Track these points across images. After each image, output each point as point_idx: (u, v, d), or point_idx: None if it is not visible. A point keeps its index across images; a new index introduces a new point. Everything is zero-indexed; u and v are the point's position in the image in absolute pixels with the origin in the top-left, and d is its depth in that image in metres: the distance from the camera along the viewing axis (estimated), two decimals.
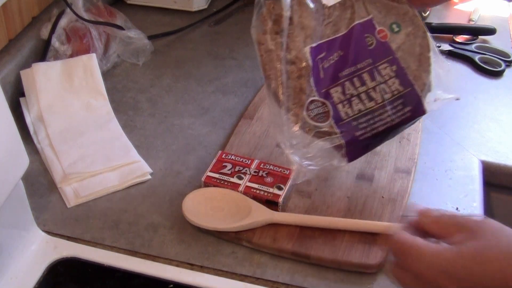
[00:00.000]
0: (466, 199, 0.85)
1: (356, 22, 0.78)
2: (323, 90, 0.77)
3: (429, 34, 0.79)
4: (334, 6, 0.79)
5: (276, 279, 0.74)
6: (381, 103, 0.78)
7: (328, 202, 0.82)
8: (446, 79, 0.79)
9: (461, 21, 1.24)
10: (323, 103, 0.77)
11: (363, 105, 0.78)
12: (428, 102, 0.79)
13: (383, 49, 0.78)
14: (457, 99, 0.80)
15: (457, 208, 0.83)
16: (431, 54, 0.79)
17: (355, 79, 0.78)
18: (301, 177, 0.79)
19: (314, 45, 0.78)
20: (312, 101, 0.77)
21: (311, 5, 0.78)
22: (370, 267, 0.75)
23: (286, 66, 0.78)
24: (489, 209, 0.96)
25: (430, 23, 1.18)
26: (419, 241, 0.58)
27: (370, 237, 0.77)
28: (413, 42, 0.79)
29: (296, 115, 0.77)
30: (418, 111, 0.78)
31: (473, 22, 1.23)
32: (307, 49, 0.77)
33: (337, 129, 0.77)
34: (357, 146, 0.78)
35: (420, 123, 0.93)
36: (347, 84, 0.78)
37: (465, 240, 0.56)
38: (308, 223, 0.79)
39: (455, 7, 1.30)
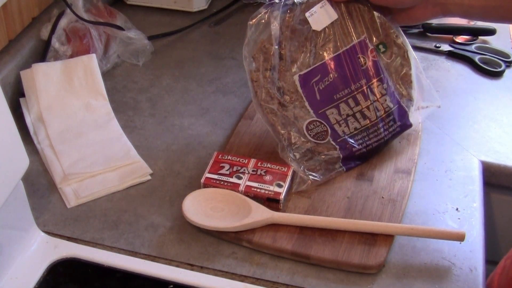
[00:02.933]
0: (466, 200, 0.85)
1: (352, 43, 0.83)
2: (320, 112, 0.84)
3: (410, 53, 0.85)
4: (325, 29, 0.83)
5: (276, 280, 0.74)
6: (375, 121, 0.85)
7: (328, 202, 0.82)
8: (429, 91, 0.87)
9: (461, 21, 1.24)
10: (321, 123, 0.84)
11: (359, 124, 0.85)
12: (412, 114, 0.87)
13: (375, 68, 0.84)
14: (438, 106, 0.88)
15: (457, 209, 0.83)
16: (413, 71, 0.85)
17: (350, 100, 0.84)
18: (304, 186, 0.84)
19: (301, 73, 0.83)
20: (310, 122, 0.84)
21: (301, 36, 0.83)
22: (370, 267, 0.75)
23: (281, 97, 0.84)
24: (489, 210, 0.96)
25: (430, 24, 1.18)
26: None
27: (370, 237, 0.77)
28: (396, 61, 0.85)
29: (294, 139, 0.84)
30: (405, 125, 0.87)
31: (473, 23, 1.23)
32: (296, 77, 0.83)
33: (336, 145, 0.85)
34: (353, 159, 0.86)
35: (420, 124, 0.93)
36: (342, 105, 0.84)
37: None
38: (308, 223, 0.79)
39: None
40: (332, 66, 0.83)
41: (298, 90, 0.84)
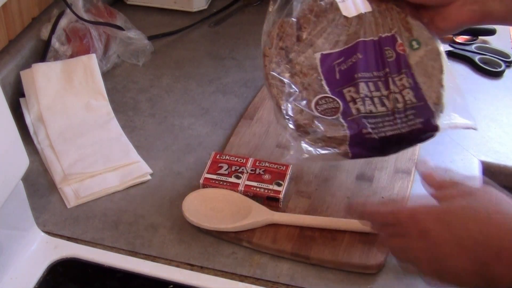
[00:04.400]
0: None
1: (380, 35, 0.80)
2: (336, 89, 0.79)
3: (444, 56, 0.80)
4: (354, 17, 0.81)
5: (276, 280, 0.74)
6: (392, 110, 0.78)
7: (328, 202, 0.82)
8: (462, 105, 0.80)
9: None
10: (334, 100, 0.78)
11: (375, 108, 0.78)
12: (442, 122, 0.79)
13: (401, 61, 0.79)
14: (474, 129, 0.81)
15: None
16: (443, 76, 0.80)
17: (370, 84, 0.79)
18: (298, 158, 0.76)
19: (324, 52, 0.80)
20: (322, 97, 0.78)
21: (326, 20, 0.81)
22: (370, 267, 0.75)
23: (292, 77, 0.80)
24: None
25: None
26: (418, 205, 0.64)
27: (370, 238, 0.77)
28: (427, 62, 0.80)
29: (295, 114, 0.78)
30: (429, 125, 0.78)
31: None
32: (317, 56, 0.80)
33: (345, 123, 0.77)
34: (362, 144, 0.77)
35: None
36: (362, 85, 0.79)
37: (458, 198, 0.63)
38: (308, 223, 0.79)
39: None
40: (358, 50, 0.80)
41: (317, 69, 0.80)
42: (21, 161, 0.73)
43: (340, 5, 0.82)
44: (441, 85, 0.80)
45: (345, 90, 0.79)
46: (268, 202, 0.81)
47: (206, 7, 1.25)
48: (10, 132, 0.70)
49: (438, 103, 0.79)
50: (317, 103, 0.78)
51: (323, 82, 0.79)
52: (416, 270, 0.65)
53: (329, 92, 0.79)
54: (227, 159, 0.86)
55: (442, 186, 0.67)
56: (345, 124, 0.77)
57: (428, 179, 0.69)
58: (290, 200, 0.83)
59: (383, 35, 0.81)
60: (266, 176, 0.83)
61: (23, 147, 0.73)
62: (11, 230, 0.74)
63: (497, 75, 1.09)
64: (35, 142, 0.92)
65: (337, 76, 0.79)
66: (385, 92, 0.79)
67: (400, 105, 0.78)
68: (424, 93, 0.79)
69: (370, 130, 0.77)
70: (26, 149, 0.74)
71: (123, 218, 0.82)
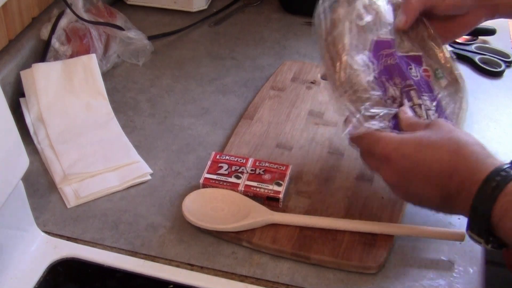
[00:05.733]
0: None
1: (408, 53, 0.80)
2: (380, 79, 0.76)
3: (465, 96, 0.82)
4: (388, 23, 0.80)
5: (276, 280, 0.74)
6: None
7: (328, 203, 0.82)
8: None
9: None
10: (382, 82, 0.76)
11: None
12: None
13: (426, 85, 0.79)
14: None
15: None
16: (462, 115, 0.82)
17: (404, 92, 0.77)
18: (357, 130, 0.74)
19: (378, 39, 0.78)
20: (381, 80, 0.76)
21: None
22: (370, 267, 0.75)
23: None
24: None
25: None
26: (382, 132, 0.72)
27: (370, 238, 0.77)
28: (449, 97, 0.81)
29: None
30: None
31: None
32: (373, 39, 0.78)
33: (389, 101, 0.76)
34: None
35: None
36: (395, 88, 0.77)
37: (421, 131, 0.71)
38: (308, 223, 0.79)
39: None
40: (395, 54, 0.79)
41: (370, 48, 0.78)
42: (21, 161, 0.73)
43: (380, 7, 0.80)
44: (458, 122, 0.81)
45: (387, 84, 0.76)
46: (268, 202, 0.81)
47: (206, 7, 1.25)
48: (10, 132, 0.70)
49: None
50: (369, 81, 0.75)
51: (372, 66, 0.76)
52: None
53: (375, 75, 0.75)
54: (227, 159, 0.86)
55: (413, 124, 0.74)
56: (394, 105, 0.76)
57: (405, 121, 0.74)
58: (290, 200, 0.83)
59: (409, 54, 0.80)
60: (266, 176, 0.83)
61: (23, 147, 0.73)
62: (11, 230, 0.74)
63: (497, 75, 1.09)
64: (35, 142, 0.92)
65: (382, 68, 0.77)
66: (416, 101, 0.77)
67: (432, 118, 0.78)
68: (447, 116, 0.79)
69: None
70: (26, 149, 0.74)
71: (123, 218, 0.82)
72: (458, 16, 0.83)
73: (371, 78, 0.75)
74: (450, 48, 1.14)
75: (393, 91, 0.77)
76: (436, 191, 0.68)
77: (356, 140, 0.75)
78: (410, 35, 0.81)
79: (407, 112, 0.75)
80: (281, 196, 0.81)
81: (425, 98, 0.79)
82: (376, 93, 0.75)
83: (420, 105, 0.78)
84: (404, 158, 0.69)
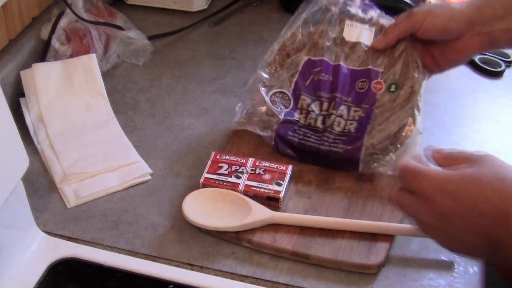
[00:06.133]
0: None
1: (364, 68, 0.88)
2: (297, 92, 0.88)
3: (416, 119, 0.85)
4: (351, 42, 0.89)
5: (276, 280, 0.74)
6: (324, 129, 0.86)
7: (328, 202, 0.82)
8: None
9: None
10: (289, 100, 0.88)
11: (314, 123, 0.87)
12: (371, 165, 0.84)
13: (369, 98, 0.86)
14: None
15: None
16: (405, 128, 0.84)
17: (324, 103, 0.87)
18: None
19: (312, 58, 0.90)
20: (281, 92, 0.89)
21: (327, 42, 0.90)
22: (370, 267, 0.75)
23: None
24: None
25: None
26: (425, 166, 0.65)
27: (370, 237, 0.77)
28: (395, 108, 0.85)
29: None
30: (349, 155, 0.84)
31: None
32: (305, 58, 0.90)
33: (282, 117, 0.87)
34: (284, 143, 0.87)
35: (420, 124, 0.93)
36: (317, 102, 0.87)
37: (467, 167, 0.63)
38: (308, 223, 0.79)
39: None
40: (336, 71, 0.88)
41: (298, 69, 0.90)
42: (21, 161, 0.73)
43: (346, 27, 0.90)
44: (398, 138, 0.84)
45: (302, 97, 0.88)
46: (268, 202, 0.81)
47: (206, 7, 1.25)
48: (10, 132, 0.70)
49: (375, 148, 0.84)
50: (274, 94, 0.89)
51: (293, 81, 0.89)
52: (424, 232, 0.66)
53: (291, 91, 0.89)
54: (227, 159, 0.86)
55: (449, 157, 0.67)
56: (281, 117, 0.87)
57: (437, 156, 0.68)
58: (290, 200, 0.83)
59: (366, 68, 0.87)
60: (266, 176, 0.83)
61: (23, 147, 0.73)
62: (11, 230, 0.74)
63: (497, 75, 1.09)
64: (35, 142, 0.92)
65: (307, 82, 0.89)
66: (332, 111, 0.86)
67: (337, 129, 0.85)
68: (367, 132, 0.84)
69: (294, 137, 0.86)
70: (26, 149, 0.74)
71: (123, 218, 0.82)
72: (451, 42, 0.84)
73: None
74: None
75: (303, 101, 0.88)
76: (480, 235, 0.60)
77: (398, 173, 0.68)
78: (391, 53, 0.88)
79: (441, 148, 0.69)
80: (281, 196, 0.81)
81: (358, 110, 0.85)
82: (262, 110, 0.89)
83: (330, 115, 0.86)
84: (447, 197, 0.61)
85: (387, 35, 0.87)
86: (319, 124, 0.87)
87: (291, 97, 0.89)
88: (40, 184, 0.87)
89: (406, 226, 0.79)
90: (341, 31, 0.90)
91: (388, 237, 0.77)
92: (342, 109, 0.86)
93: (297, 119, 0.87)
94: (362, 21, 0.90)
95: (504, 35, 0.81)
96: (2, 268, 0.73)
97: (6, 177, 0.69)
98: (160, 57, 1.13)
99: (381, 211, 0.81)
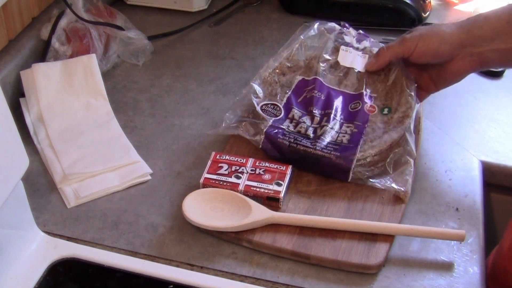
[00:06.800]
0: (466, 200, 0.85)
1: (357, 92, 0.91)
2: (289, 105, 0.90)
3: (409, 132, 0.86)
4: (345, 68, 0.92)
5: (276, 280, 0.74)
6: (319, 137, 0.86)
7: (328, 202, 0.82)
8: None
9: None
10: (280, 110, 0.90)
11: (305, 131, 0.87)
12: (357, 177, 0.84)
13: (361, 116, 0.88)
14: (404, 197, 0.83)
15: (457, 209, 0.83)
16: (398, 149, 0.85)
17: (316, 118, 0.88)
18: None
19: (306, 78, 0.92)
20: (273, 104, 0.90)
21: (322, 65, 0.93)
22: (370, 267, 0.75)
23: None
24: (489, 210, 0.96)
25: (430, 24, 1.18)
26: None
27: (370, 237, 0.77)
28: (387, 131, 0.86)
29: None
30: (343, 168, 0.84)
31: None
32: (299, 78, 0.93)
33: (271, 122, 0.88)
34: (273, 145, 0.86)
35: (420, 123, 0.93)
36: (308, 117, 0.89)
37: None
38: (308, 223, 0.79)
39: (455, 7, 1.29)
40: (329, 92, 0.91)
41: (292, 87, 0.92)
42: (21, 161, 0.73)
43: (341, 52, 0.93)
44: (386, 152, 0.84)
45: (294, 110, 0.89)
46: (268, 202, 0.81)
47: (206, 7, 1.25)
48: (10, 132, 0.70)
49: (366, 161, 0.84)
50: (265, 105, 0.90)
51: (286, 97, 0.91)
52: None
53: (283, 104, 0.90)
54: (227, 159, 0.86)
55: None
56: (270, 122, 0.88)
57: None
58: (290, 200, 0.83)
59: (359, 92, 0.90)
60: (266, 176, 0.83)
61: (23, 147, 0.73)
62: (11, 230, 0.74)
63: (497, 75, 1.09)
64: (35, 142, 0.92)
65: (300, 99, 0.91)
66: (324, 123, 0.87)
67: (329, 138, 0.85)
68: (360, 145, 0.84)
69: (282, 138, 0.86)
70: (26, 149, 0.74)
71: (123, 218, 0.82)
72: (444, 64, 0.86)
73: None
74: None
75: (294, 113, 0.89)
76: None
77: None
78: (384, 80, 0.91)
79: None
80: (281, 196, 0.81)
81: (351, 125, 0.87)
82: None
83: (323, 127, 0.87)
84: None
85: (379, 58, 0.90)
86: (310, 133, 0.87)
87: (282, 109, 0.90)
88: (40, 184, 0.87)
89: (406, 226, 0.79)
90: (336, 56, 0.93)
91: (388, 237, 0.77)
92: (335, 123, 0.87)
93: (287, 126, 0.88)
94: (356, 49, 0.93)
95: (494, 56, 0.83)
96: (2, 268, 0.73)
97: (6, 177, 0.69)
98: (160, 57, 1.13)
99: (381, 211, 0.81)
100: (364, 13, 1.21)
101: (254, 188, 0.82)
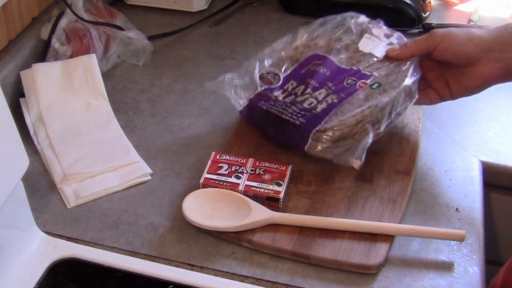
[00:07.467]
0: (466, 200, 0.85)
1: (359, 67, 0.90)
2: (289, 77, 0.91)
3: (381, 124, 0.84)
4: (363, 53, 0.92)
5: (276, 280, 0.74)
6: (295, 103, 0.87)
7: (328, 202, 0.82)
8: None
9: (461, 21, 1.24)
10: (279, 81, 0.91)
11: (290, 100, 0.88)
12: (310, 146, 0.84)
13: (349, 89, 0.87)
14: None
15: (457, 209, 0.83)
16: (364, 124, 0.83)
17: (309, 89, 0.88)
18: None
19: (316, 53, 0.93)
20: (275, 73, 0.92)
21: (338, 45, 0.94)
22: (370, 267, 0.75)
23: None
24: (489, 210, 0.96)
25: (430, 24, 1.18)
26: None
27: (370, 237, 0.77)
28: (361, 107, 0.84)
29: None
30: (303, 135, 0.84)
31: (473, 23, 1.23)
32: (311, 53, 0.93)
33: (259, 88, 0.90)
34: (252, 110, 0.90)
35: (420, 124, 0.93)
36: (302, 86, 0.89)
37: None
38: (308, 223, 0.79)
39: (455, 7, 1.29)
40: (334, 70, 0.90)
41: (301, 60, 0.93)
42: (21, 161, 0.73)
43: (363, 39, 0.93)
44: (350, 130, 0.82)
45: (291, 82, 0.90)
46: (268, 202, 0.81)
47: (206, 7, 1.25)
48: (10, 132, 0.70)
49: (326, 131, 0.83)
50: (266, 72, 0.92)
51: (291, 68, 0.92)
52: None
53: (283, 73, 0.91)
54: (227, 159, 0.86)
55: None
56: (260, 90, 0.89)
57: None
58: (290, 200, 0.83)
59: (360, 69, 0.89)
60: (266, 176, 0.83)
61: (23, 147, 0.73)
62: (11, 230, 0.74)
63: None
64: (35, 142, 0.92)
65: (302, 71, 0.91)
66: (309, 92, 0.88)
67: (305, 106, 0.86)
68: (329, 115, 0.84)
69: (262, 104, 0.88)
70: (26, 149, 0.74)
71: (123, 218, 0.82)
72: (467, 67, 0.84)
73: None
74: None
75: (290, 84, 0.90)
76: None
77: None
78: (393, 68, 0.89)
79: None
80: (281, 196, 0.81)
81: (334, 97, 0.86)
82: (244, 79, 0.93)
83: (308, 96, 0.87)
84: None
85: (403, 48, 0.88)
86: (288, 101, 0.88)
87: (281, 79, 0.91)
88: (40, 184, 0.87)
89: (406, 226, 0.79)
90: (357, 41, 0.92)
91: (388, 237, 0.77)
92: (321, 92, 0.87)
93: (275, 95, 0.89)
94: (381, 39, 0.92)
95: None
96: (2, 268, 0.73)
97: (6, 177, 0.69)
98: (160, 57, 1.13)
99: (381, 211, 0.81)
100: (364, 13, 1.21)
101: (254, 188, 0.82)
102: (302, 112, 0.85)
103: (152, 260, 0.77)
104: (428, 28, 1.18)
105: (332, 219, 0.79)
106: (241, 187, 0.82)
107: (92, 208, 0.83)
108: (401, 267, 0.76)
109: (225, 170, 0.84)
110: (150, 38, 1.12)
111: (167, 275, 0.75)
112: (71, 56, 1.01)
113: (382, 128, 0.83)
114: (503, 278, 0.87)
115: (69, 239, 0.79)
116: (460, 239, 0.77)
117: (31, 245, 0.77)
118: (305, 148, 0.84)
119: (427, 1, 1.21)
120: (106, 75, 1.05)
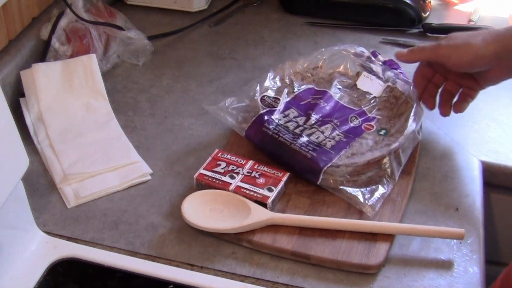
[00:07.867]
0: (466, 200, 0.85)
1: (364, 108, 0.91)
2: (290, 104, 0.91)
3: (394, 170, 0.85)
4: (361, 91, 0.94)
5: (276, 280, 0.74)
6: (304, 135, 0.86)
7: (328, 202, 0.82)
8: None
9: (461, 21, 1.24)
10: (279, 105, 0.91)
11: (293, 129, 0.88)
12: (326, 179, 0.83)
13: (356, 130, 0.88)
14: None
15: (457, 209, 0.83)
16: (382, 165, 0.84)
17: (311, 120, 0.89)
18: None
19: (317, 88, 0.94)
20: (275, 98, 0.92)
21: (338, 84, 0.96)
22: (370, 267, 0.75)
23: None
24: (489, 210, 0.96)
25: (430, 24, 1.18)
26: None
27: (370, 237, 0.77)
28: (372, 150, 0.85)
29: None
30: (315, 169, 0.83)
31: (473, 23, 1.23)
32: (310, 86, 0.95)
33: (262, 110, 0.89)
34: (257, 131, 0.88)
35: (420, 124, 0.93)
36: (304, 117, 0.89)
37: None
38: (308, 223, 0.79)
39: (455, 7, 1.30)
40: (334, 106, 0.92)
41: (300, 90, 0.94)
42: (21, 161, 0.73)
43: (361, 77, 0.95)
44: (361, 167, 0.83)
45: (292, 109, 0.91)
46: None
47: (206, 7, 1.25)
48: (10, 132, 0.70)
49: (338, 168, 0.82)
50: (266, 96, 0.92)
51: (291, 96, 0.93)
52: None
53: (285, 101, 0.92)
54: (227, 158, 0.85)
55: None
56: (264, 111, 0.89)
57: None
58: (290, 200, 0.83)
59: (363, 110, 0.91)
60: (261, 180, 0.83)
61: (23, 147, 0.73)
62: (11, 230, 0.74)
63: None
64: (35, 142, 0.92)
65: (303, 102, 0.92)
66: (315, 126, 0.88)
67: (313, 140, 0.86)
68: (340, 154, 0.84)
69: (267, 127, 0.87)
70: (26, 149, 0.74)
71: (123, 218, 0.82)
72: (482, 72, 0.87)
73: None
74: None
75: (291, 111, 0.91)
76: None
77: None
78: (393, 108, 0.92)
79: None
80: (269, 202, 0.80)
81: (339, 133, 0.87)
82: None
83: (312, 128, 0.88)
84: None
85: (410, 52, 0.91)
86: (297, 131, 0.87)
87: (282, 104, 0.91)
88: (40, 184, 0.87)
89: (406, 226, 0.79)
90: (355, 78, 0.95)
91: (388, 237, 0.77)
92: (327, 127, 0.88)
93: (278, 118, 0.89)
94: (378, 77, 0.95)
95: None
96: (2, 268, 0.73)
97: (6, 177, 0.69)
98: (160, 57, 1.13)
99: (381, 211, 0.81)
100: (364, 13, 1.21)
101: (244, 190, 0.81)
102: (311, 146, 0.85)
103: (152, 260, 0.77)
104: (427, 28, 1.18)
105: (332, 219, 0.79)
106: (232, 187, 0.81)
107: (92, 208, 0.83)
108: (401, 267, 0.76)
109: (222, 169, 0.84)
110: (150, 38, 1.12)
111: (167, 275, 0.75)
112: (71, 56, 1.01)
113: (397, 176, 0.84)
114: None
115: (69, 239, 0.79)
116: (460, 237, 0.77)
117: (31, 245, 0.77)
118: (318, 182, 0.83)
119: (427, 1, 1.21)
120: (106, 75, 1.05)
